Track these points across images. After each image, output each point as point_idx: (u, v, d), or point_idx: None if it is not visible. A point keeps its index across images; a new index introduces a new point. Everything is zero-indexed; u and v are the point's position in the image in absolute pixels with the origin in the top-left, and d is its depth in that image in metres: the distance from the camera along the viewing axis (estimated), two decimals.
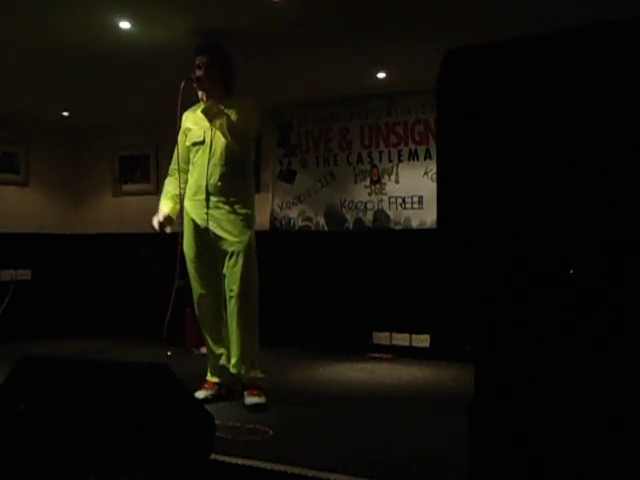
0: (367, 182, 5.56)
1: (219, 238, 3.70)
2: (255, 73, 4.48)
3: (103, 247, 6.80)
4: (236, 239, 3.66)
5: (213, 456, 2.61)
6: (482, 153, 1.96)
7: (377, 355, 5.33)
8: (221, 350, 3.82)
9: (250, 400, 3.58)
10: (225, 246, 3.68)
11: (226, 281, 3.69)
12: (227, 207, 3.70)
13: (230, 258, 3.65)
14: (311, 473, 2.52)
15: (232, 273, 3.64)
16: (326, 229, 5.73)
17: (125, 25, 3.82)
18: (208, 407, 2.73)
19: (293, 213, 5.87)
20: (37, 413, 2.39)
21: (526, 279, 1.91)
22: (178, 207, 3.84)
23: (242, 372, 3.67)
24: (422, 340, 5.31)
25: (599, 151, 1.80)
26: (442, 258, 2.05)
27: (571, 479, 1.83)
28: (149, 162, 6.51)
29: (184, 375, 2.58)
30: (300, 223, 5.70)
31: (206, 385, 3.79)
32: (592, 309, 1.82)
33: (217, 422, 2.69)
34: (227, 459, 2.64)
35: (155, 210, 6.47)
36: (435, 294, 5.08)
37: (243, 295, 3.63)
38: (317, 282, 5.40)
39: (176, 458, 2.40)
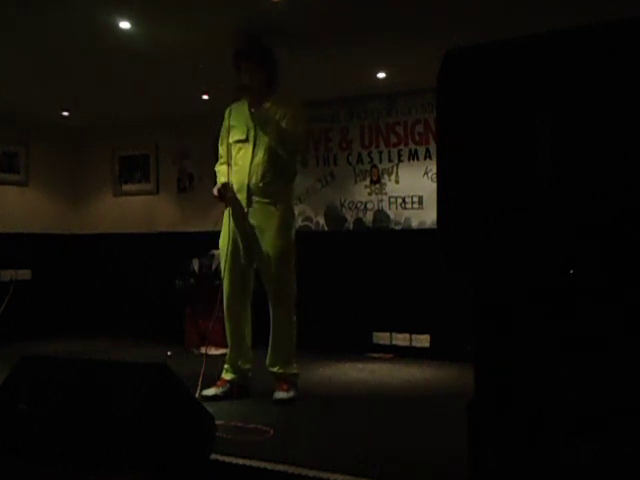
0: (367, 182, 5.56)
1: (257, 238, 3.73)
2: None
3: (103, 247, 6.79)
4: (274, 240, 3.70)
5: (213, 456, 2.61)
6: (482, 153, 1.96)
7: (377, 355, 5.33)
8: (239, 351, 3.84)
9: (276, 395, 3.69)
10: (263, 246, 3.72)
11: (264, 281, 3.78)
12: (268, 208, 3.72)
13: (267, 258, 3.71)
14: (311, 473, 2.52)
15: (268, 273, 3.73)
16: (326, 229, 5.73)
17: (125, 25, 3.82)
18: (209, 407, 2.73)
19: None
20: (37, 413, 2.39)
21: (526, 279, 1.91)
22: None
23: (276, 368, 3.76)
24: (422, 340, 5.31)
25: (599, 151, 1.80)
26: (442, 258, 2.05)
27: (570, 479, 1.83)
28: (149, 162, 6.50)
29: (184, 375, 2.59)
30: (300, 223, 5.68)
31: (219, 382, 3.81)
32: (592, 309, 1.82)
33: (217, 422, 2.70)
34: (227, 459, 2.64)
35: (155, 209, 6.51)
36: (435, 294, 5.07)
37: (277, 295, 3.74)
38: (317, 282, 5.38)
39: (176, 458, 2.40)
